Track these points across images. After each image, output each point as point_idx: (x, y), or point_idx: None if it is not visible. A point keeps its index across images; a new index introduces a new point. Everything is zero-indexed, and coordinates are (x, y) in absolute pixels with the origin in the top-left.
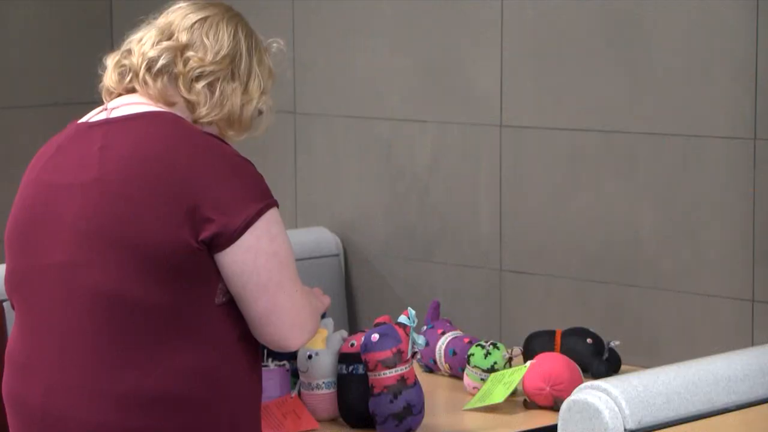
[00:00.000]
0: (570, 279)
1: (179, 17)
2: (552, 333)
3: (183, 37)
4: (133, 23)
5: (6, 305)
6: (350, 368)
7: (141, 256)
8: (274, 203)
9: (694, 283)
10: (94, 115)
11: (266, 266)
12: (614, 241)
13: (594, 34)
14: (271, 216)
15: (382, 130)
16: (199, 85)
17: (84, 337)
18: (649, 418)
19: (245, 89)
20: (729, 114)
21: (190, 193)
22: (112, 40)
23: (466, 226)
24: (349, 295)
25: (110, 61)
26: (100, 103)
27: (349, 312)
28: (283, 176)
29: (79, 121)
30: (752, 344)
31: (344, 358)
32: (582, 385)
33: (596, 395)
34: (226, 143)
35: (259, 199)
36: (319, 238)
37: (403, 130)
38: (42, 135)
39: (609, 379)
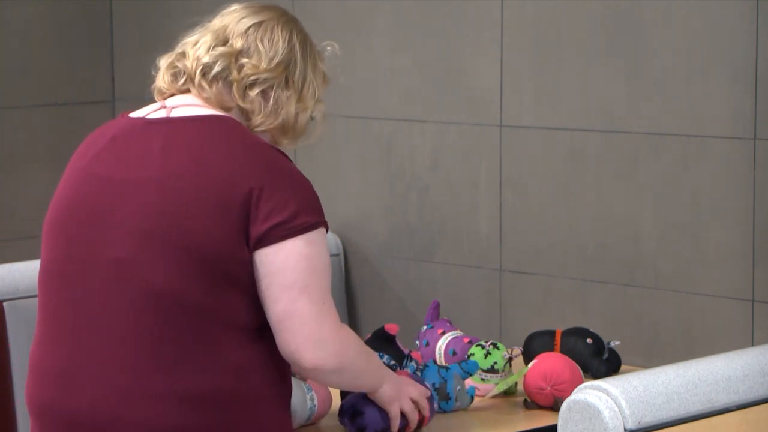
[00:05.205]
0: (570, 279)
1: (234, 21)
2: (552, 333)
3: (237, 43)
4: (133, 23)
5: (6, 305)
6: None
7: (198, 259)
8: (323, 223)
9: (694, 283)
10: (152, 112)
11: (295, 267)
12: (614, 241)
13: (594, 34)
14: (317, 233)
15: (382, 130)
16: (253, 93)
17: (138, 336)
18: (649, 418)
19: (300, 97)
20: (729, 114)
21: (249, 204)
22: (112, 40)
23: (466, 226)
24: (349, 295)
25: (163, 62)
26: (101, 102)
27: (349, 312)
28: None
29: (132, 114)
30: (752, 344)
31: (371, 342)
32: (582, 385)
33: (596, 395)
34: (287, 158)
35: (310, 214)
36: None
37: (403, 130)
38: (42, 135)
39: (609, 379)
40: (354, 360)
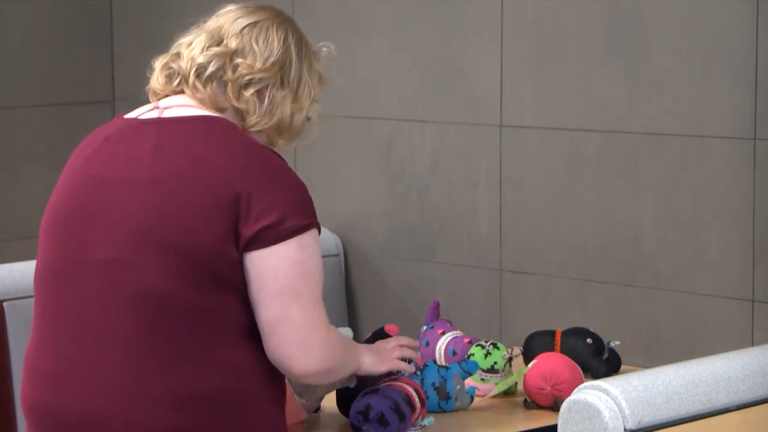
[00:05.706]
0: (570, 279)
1: (229, 21)
2: (552, 333)
3: (232, 43)
4: (133, 23)
5: (6, 305)
6: None
7: (192, 260)
8: (315, 224)
9: (694, 283)
10: (145, 113)
11: (287, 273)
12: (614, 241)
13: (594, 34)
14: (308, 234)
15: (382, 130)
16: (248, 93)
17: (131, 338)
18: (649, 418)
19: (295, 97)
20: (729, 114)
21: (239, 205)
22: (112, 40)
23: (466, 226)
24: (349, 295)
25: (158, 63)
26: (101, 102)
27: (349, 312)
28: None
29: (127, 116)
30: (752, 344)
31: (370, 341)
32: (582, 385)
33: (596, 395)
34: (281, 158)
35: (302, 216)
36: (319, 238)
37: (403, 130)
38: (42, 135)
39: (609, 379)
40: (340, 358)
